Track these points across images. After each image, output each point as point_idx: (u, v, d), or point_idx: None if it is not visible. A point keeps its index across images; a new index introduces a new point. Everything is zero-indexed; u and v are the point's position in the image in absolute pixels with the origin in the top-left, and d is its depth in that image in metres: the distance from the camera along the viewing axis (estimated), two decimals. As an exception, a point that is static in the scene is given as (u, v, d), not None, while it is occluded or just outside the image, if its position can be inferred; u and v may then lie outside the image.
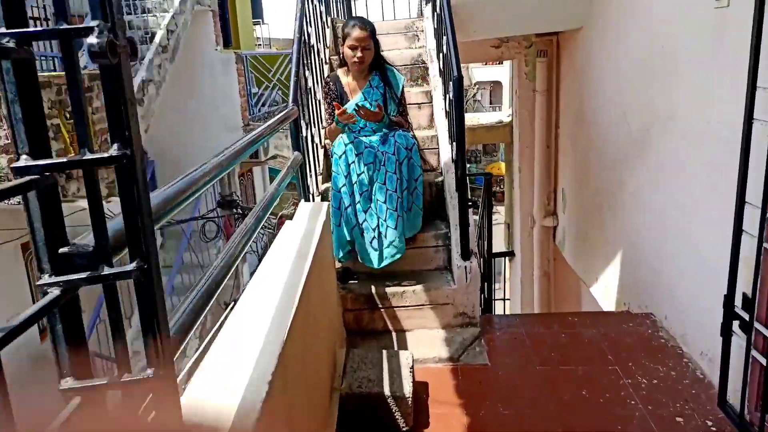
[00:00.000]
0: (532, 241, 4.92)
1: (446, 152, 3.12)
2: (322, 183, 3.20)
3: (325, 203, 2.66)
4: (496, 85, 20.26)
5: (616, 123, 3.36)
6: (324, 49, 3.72)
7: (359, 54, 2.85)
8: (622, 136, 3.27)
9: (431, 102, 3.48)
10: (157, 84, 6.67)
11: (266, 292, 1.84)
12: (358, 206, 2.77)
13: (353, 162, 2.77)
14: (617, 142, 3.35)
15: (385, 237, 2.76)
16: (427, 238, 2.95)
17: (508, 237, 5.71)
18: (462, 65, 2.83)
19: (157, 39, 6.76)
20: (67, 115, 5.14)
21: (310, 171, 3.01)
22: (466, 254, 2.72)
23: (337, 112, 2.69)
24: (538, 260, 4.94)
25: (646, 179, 2.98)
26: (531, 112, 4.74)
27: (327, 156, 3.34)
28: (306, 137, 2.90)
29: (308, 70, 3.09)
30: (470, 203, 2.76)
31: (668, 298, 2.77)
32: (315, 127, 3.18)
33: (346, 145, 2.78)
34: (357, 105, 2.77)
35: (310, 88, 3.08)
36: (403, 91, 2.95)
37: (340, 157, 2.78)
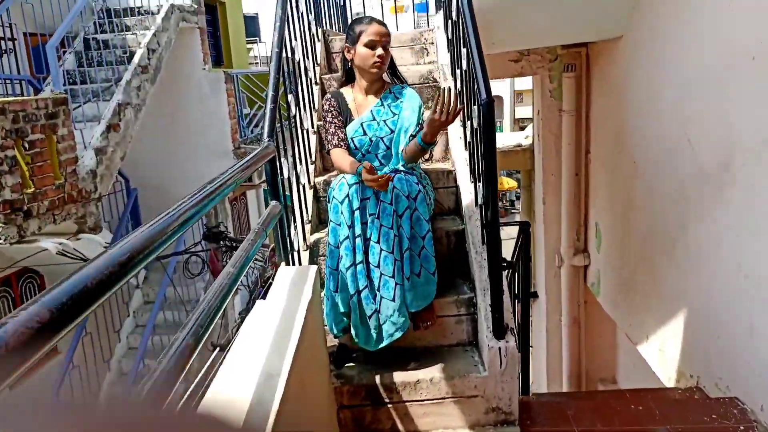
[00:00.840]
0: (560, 283, 4.25)
1: (468, 193, 2.47)
2: (311, 233, 2.55)
3: (313, 267, 2.01)
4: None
5: (674, 150, 2.72)
6: (314, 67, 3.09)
7: (380, 52, 2.26)
8: (685, 167, 2.62)
9: (446, 130, 2.83)
10: (135, 107, 6.06)
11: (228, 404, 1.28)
12: (360, 268, 2.11)
13: (357, 209, 2.12)
14: (677, 174, 2.70)
15: (380, 311, 2.10)
16: (444, 304, 2.29)
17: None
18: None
19: (135, 59, 6.16)
20: (26, 146, 4.51)
21: (295, 222, 2.36)
22: (500, 331, 2.05)
23: (363, 174, 2.07)
24: (567, 305, 4.28)
25: (725, 223, 2.33)
26: (557, 135, 4.10)
27: (317, 199, 2.69)
28: (288, 178, 2.25)
29: (290, 93, 2.45)
30: (505, 264, 2.10)
31: (766, 383, 2.10)
32: (302, 163, 2.53)
33: (350, 186, 2.13)
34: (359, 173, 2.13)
35: (294, 116, 2.44)
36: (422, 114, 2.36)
37: (341, 202, 2.13)
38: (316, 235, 2.53)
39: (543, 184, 4.22)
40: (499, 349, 2.05)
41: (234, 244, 6.68)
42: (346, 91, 2.39)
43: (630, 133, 3.26)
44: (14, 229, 4.50)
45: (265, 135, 1.98)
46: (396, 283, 2.07)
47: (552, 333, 4.46)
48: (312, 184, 2.65)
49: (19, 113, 4.47)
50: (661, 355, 2.97)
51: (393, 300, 2.06)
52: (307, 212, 2.51)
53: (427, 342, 2.30)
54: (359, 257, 2.09)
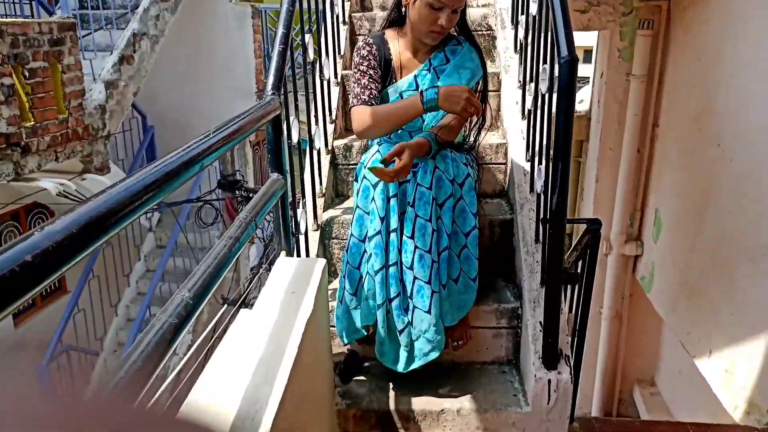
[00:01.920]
0: (605, 271, 3.76)
1: (522, 175, 1.98)
2: (324, 209, 2.09)
3: (320, 262, 1.57)
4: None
5: (783, 138, 2.17)
6: (342, 2, 2.56)
7: (443, 20, 1.67)
8: (796, 162, 2.09)
9: (498, 90, 2.32)
10: (152, 39, 5.57)
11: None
12: (393, 271, 1.66)
13: (394, 196, 1.65)
14: (784, 169, 2.16)
15: (413, 324, 1.65)
16: (481, 313, 1.84)
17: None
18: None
19: (155, -16, 5.63)
20: (26, 74, 4.09)
21: (302, 197, 1.90)
22: (551, 359, 1.60)
23: (384, 170, 1.56)
24: (611, 296, 3.80)
25: None
26: (622, 103, 3.52)
27: (334, 166, 2.22)
28: (297, 143, 1.78)
29: (308, 33, 1.95)
30: (566, 276, 1.63)
31: None
32: (318, 123, 2.05)
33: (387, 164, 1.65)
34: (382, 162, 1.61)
35: (311, 63, 1.95)
36: (483, 80, 1.82)
37: (374, 185, 1.65)
38: (330, 212, 2.08)
39: (598, 159, 3.68)
40: (549, 381, 1.61)
41: (250, 195, 6.28)
42: (392, 39, 1.81)
43: (717, 111, 2.70)
44: (10, 166, 4.14)
45: (269, 86, 1.51)
46: (432, 291, 1.61)
47: (589, 324, 3.99)
48: (330, 148, 2.18)
49: (18, 36, 4.02)
50: (728, 378, 2.51)
51: (428, 312, 1.61)
52: (321, 183, 2.05)
53: (455, 356, 1.86)
54: (393, 257, 1.63)
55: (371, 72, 1.76)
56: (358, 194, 1.69)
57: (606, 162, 3.68)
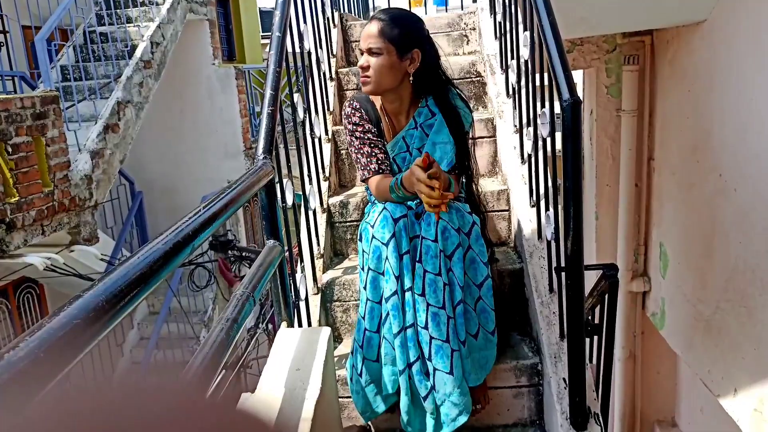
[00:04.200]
0: (613, 310, 3.64)
1: (528, 221, 1.90)
2: (323, 271, 2.00)
3: (325, 331, 1.46)
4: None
5: (788, 165, 2.12)
6: (328, 58, 2.53)
7: (361, 62, 1.64)
8: (806, 188, 2.03)
9: (493, 136, 2.27)
10: (137, 106, 5.57)
11: None
12: (410, 333, 1.56)
13: (406, 253, 1.56)
14: (793, 196, 2.10)
15: (435, 389, 1.53)
16: (499, 372, 1.73)
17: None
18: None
19: (138, 53, 5.67)
20: (9, 149, 4.02)
21: (300, 261, 1.81)
22: (580, 419, 1.48)
23: (416, 173, 1.44)
24: (622, 336, 3.68)
25: None
26: (614, 139, 3.49)
27: (331, 225, 2.13)
28: (290, 205, 1.70)
29: (296, 92, 1.90)
30: (588, 328, 1.54)
31: None
32: (312, 183, 1.98)
33: (396, 221, 1.56)
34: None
35: (301, 122, 1.89)
36: (461, 145, 1.71)
37: (386, 243, 1.55)
38: (330, 273, 1.98)
39: (596, 195, 3.62)
40: (580, 444, 1.49)
41: (243, 254, 6.17)
42: (375, 98, 1.75)
43: (715, 141, 2.66)
44: (-5, 243, 4.03)
45: (260, 150, 1.43)
46: (452, 350, 1.51)
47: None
48: (325, 206, 2.09)
49: (0, 113, 3.98)
50: (758, 418, 2.38)
51: (450, 372, 1.50)
52: (318, 244, 1.96)
53: (473, 420, 1.73)
54: (410, 318, 1.53)
55: (369, 136, 1.69)
56: (366, 255, 1.59)
57: (604, 199, 3.63)
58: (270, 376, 1.28)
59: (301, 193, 1.86)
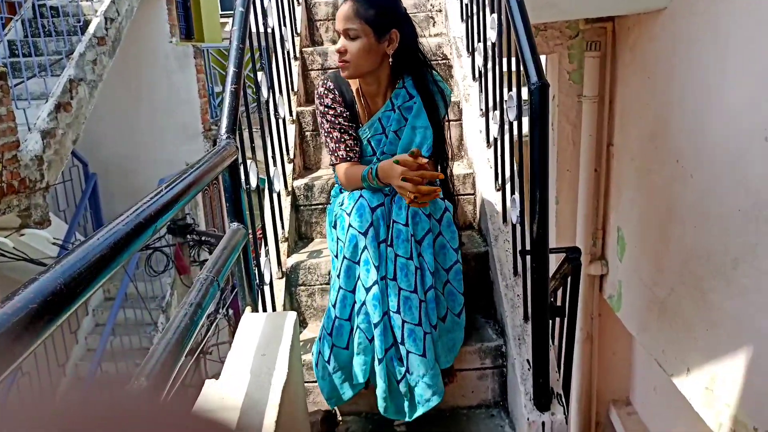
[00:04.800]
0: (571, 293, 3.72)
1: (493, 205, 1.91)
2: (288, 255, 1.96)
3: (291, 315, 1.44)
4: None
5: (744, 152, 2.19)
6: (292, 37, 2.48)
7: (337, 46, 1.60)
8: (761, 174, 2.09)
9: (460, 119, 2.26)
10: (90, 84, 5.36)
11: None
12: (391, 319, 1.55)
13: (383, 241, 1.54)
14: (747, 181, 2.17)
15: (409, 372, 1.53)
16: (464, 354, 1.74)
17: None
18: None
19: (91, 29, 5.43)
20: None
21: (265, 245, 1.77)
22: (544, 399, 1.51)
23: (405, 166, 1.45)
24: (581, 318, 3.76)
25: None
26: (576, 125, 3.54)
27: (296, 208, 2.10)
28: (254, 187, 1.66)
29: (260, 71, 1.85)
30: (552, 310, 1.55)
31: None
32: (276, 165, 1.93)
33: (373, 209, 1.54)
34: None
35: (265, 102, 1.84)
36: (437, 132, 1.70)
37: (365, 233, 1.54)
38: (295, 257, 1.95)
39: (557, 181, 3.67)
40: (543, 424, 1.51)
41: (203, 238, 6.06)
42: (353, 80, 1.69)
43: (674, 128, 2.72)
44: (-62, 227, 3.84)
45: (223, 129, 1.39)
46: (424, 332, 1.50)
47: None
48: (290, 189, 2.06)
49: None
50: (709, 396, 2.47)
51: (423, 355, 1.50)
52: (283, 228, 1.93)
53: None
54: (390, 304, 1.52)
55: (340, 120, 1.65)
56: (341, 243, 1.57)
57: (564, 184, 3.68)
58: (235, 361, 1.25)
59: (265, 176, 1.82)
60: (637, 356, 3.82)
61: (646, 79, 2.99)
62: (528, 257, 1.60)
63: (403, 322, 1.51)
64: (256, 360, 1.27)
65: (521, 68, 1.47)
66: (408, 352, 1.52)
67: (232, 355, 1.29)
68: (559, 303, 1.87)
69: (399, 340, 1.53)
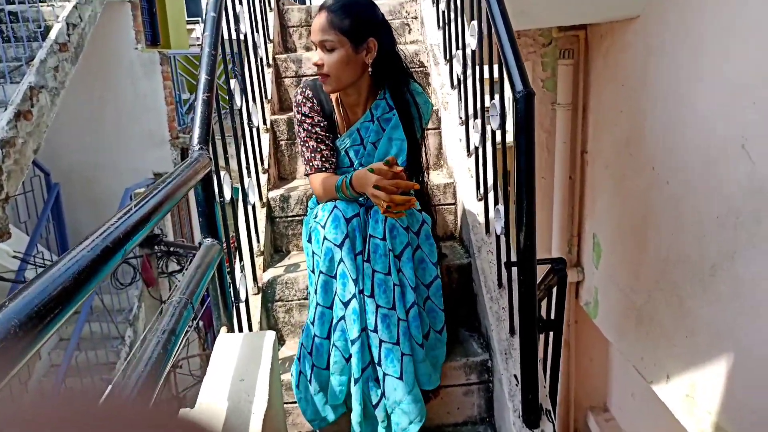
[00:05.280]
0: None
1: (474, 215, 1.87)
2: (264, 269, 1.89)
3: (270, 335, 1.37)
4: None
5: (720, 159, 2.20)
6: (265, 44, 2.41)
7: (315, 59, 1.54)
8: (735, 179, 2.10)
9: (438, 128, 2.22)
10: (52, 91, 5.18)
11: None
12: (369, 337, 1.48)
13: (360, 253, 1.48)
14: (723, 189, 2.18)
15: (385, 395, 1.47)
16: (449, 370, 1.69)
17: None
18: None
19: (52, 35, 5.26)
20: None
21: (239, 260, 1.70)
22: (533, 416, 1.46)
23: (379, 174, 1.40)
24: (557, 325, 3.76)
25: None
26: (550, 132, 3.54)
27: (271, 220, 2.03)
28: (229, 200, 1.59)
29: (233, 78, 1.78)
30: (541, 324, 1.52)
31: None
32: (250, 175, 1.86)
33: (348, 220, 1.49)
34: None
35: (238, 111, 1.77)
36: (411, 144, 1.65)
37: (340, 245, 1.47)
38: (271, 272, 1.88)
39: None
40: (532, 441, 1.47)
41: (171, 249, 5.91)
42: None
43: (648, 135, 2.73)
44: None
45: (195, 140, 1.31)
46: (402, 353, 1.44)
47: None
48: (265, 200, 1.98)
49: None
50: (689, 403, 2.47)
51: (401, 378, 1.44)
52: (258, 241, 1.85)
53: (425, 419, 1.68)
54: (368, 322, 1.45)
55: (317, 130, 1.59)
56: (316, 257, 1.50)
57: (539, 191, 3.65)
58: (211, 387, 1.18)
59: (239, 186, 1.74)
60: (614, 362, 3.83)
61: (620, 87, 3.00)
62: (514, 269, 1.56)
63: (381, 341, 1.45)
64: (234, 385, 1.19)
65: (504, 76, 1.43)
66: (385, 374, 1.46)
67: (208, 381, 1.21)
68: (543, 315, 1.84)
69: (376, 360, 1.47)
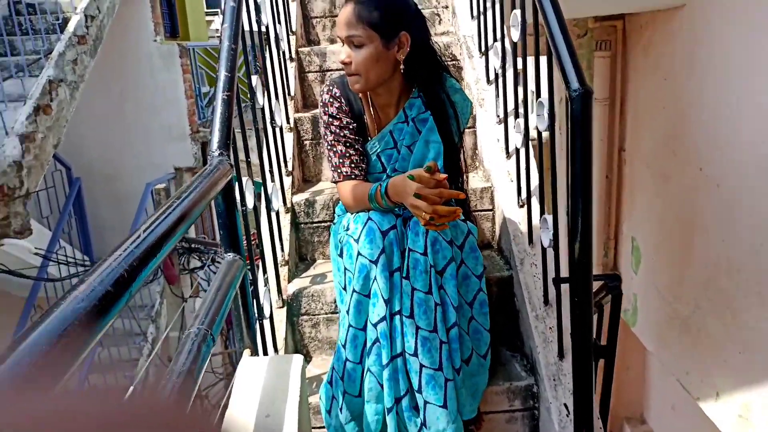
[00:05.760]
0: (580, 304, 3.55)
1: (516, 223, 1.71)
2: (289, 280, 1.76)
3: (296, 360, 1.24)
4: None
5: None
6: (287, 36, 2.27)
7: (341, 56, 1.40)
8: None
9: (473, 127, 2.06)
10: (71, 85, 5.11)
11: None
12: (401, 362, 1.35)
13: (397, 270, 1.34)
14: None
15: (426, 425, 1.33)
16: (490, 395, 1.54)
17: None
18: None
19: (70, 27, 5.18)
20: None
21: (263, 272, 1.57)
22: (584, 452, 1.31)
23: (421, 184, 1.25)
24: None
25: None
26: (586, 129, 3.36)
27: (295, 227, 1.89)
28: (251, 208, 1.46)
29: (254, 74, 1.64)
30: (596, 350, 1.37)
31: None
32: (273, 179, 1.73)
33: (384, 233, 1.35)
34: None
35: (260, 110, 1.64)
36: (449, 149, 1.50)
37: (375, 261, 1.35)
38: (297, 283, 1.74)
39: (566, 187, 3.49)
40: (586, 480, 1.32)
41: (192, 245, 5.83)
42: None
43: (695, 132, 2.54)
44: None
45: (214, 145, 1.18)
46: (446, 379, 1.30)
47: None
48: (289, 205, 1.85)
49: None
50: (744, 424, 2.29)
51: (444, 405, 1.30)
52: (283, 250, 1.72)
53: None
54: (399, 346, 1.31)
55: (345, 133, 1.45)
56: (348, 274, 1.36)
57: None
58: (233, 424, 1.05)
59: (263, 191, 1.61)
60: (652, 372, 3.65)
61: (662, 81, 2.81)
62: (564, 286, 1.41)
63: (421, 366, 1.31)
64: (258, 422, 1.06)
65: (558, 72, 1.28)
66: (426, 402, 1.32)
67: (230, 416, 1.08)
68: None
69: (416, 387, 1.33)
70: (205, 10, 9.84)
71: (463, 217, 1.44)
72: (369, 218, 1.34)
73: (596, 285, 1.77)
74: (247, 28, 1.65)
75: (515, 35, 1.61)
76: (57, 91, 4.95)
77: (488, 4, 1.96)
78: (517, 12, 1.59)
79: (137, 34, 6.33)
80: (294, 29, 2.39)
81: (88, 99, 5.57)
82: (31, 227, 4.64)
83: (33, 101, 4.61)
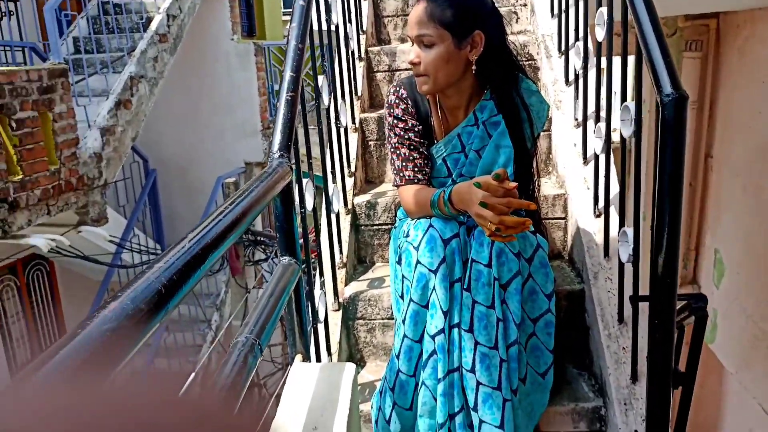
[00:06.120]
0: (655, 319, 3.35)
1: (591, 233, 1.61)
2: (346, 283, 1.72)
3: (348, 369, 1.19)
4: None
5: None
6: (357, 35, 2.23)
7: (412, 56, 1.34)
8: None
9: (548, 130, 1.96)
10: (151, 81, 5.31)
11: None
12: (457, 377, 1.28)
13: (458, 280, 1.28)
14: None
15: (482, 446, 1.25)
16: (554, 416, 1.45)
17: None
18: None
19: (153, 26, 5.39)
20: (13, 125, 3.79)
21: (320, 274, 1.53)
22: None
23: (488, 191, 1.20)
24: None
25: None
26: (669, 134, 3.16)
27: (356, 228, 1.85)
28: (311, 209, 1.42)
29: (321, 74, 1.61)
30: (675, 377, 1.25)
31: None
32: (335, 181, 1.69)
33: (446, 241, 1.29)
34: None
35: (326, 110, 1.60)
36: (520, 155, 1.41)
37: (435, 270, 1.28)
38: (354, 286, 1.70)
39: (644, 194, 3.29)
40: None
41: (258, 238, 5.94)
42: None
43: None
44: (-4, 223, 3.81)
45: (275, 146, 1.15)
46: (504, 399, 1.22)
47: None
48: (350, 207, 1.81)
49: (4, 86, 3.74)
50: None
51: (501, 426, 1.22)
52: (341, 252, 1.68)
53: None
54: (456, 360, 1.25)
55: (410, 135, 1.39)
56: (407, 282, 1.31)
57: (651, 196, 3.30)
58: (284, 421, 1.02)
59: (324, 193, 1.58)
60: (729, 392, 3.39)
61: (760, 84, 2.59)
62: (642, 304, 1.30)
63: (478, 384, 1.24)
64: (308, 422, 1.03)
65: (648, 74, 1.17)
66: (482, 421, 1.24)
67: (277, 425, 1.05)
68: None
69: (471, 404, 1.25)
70: (282, 10, 10.04)
71: (533, 229, 1.35)
72: (430, 225, 1.28)
73: (678, 304, 1.64)
74: (315, 27, 1.62)
75: (600, 34, 1.50)
76: (138, 87, 5.15)
77: (571, 2, 1.85)
78: (604, 10, 1.48)
79: (216, 33, 6.51)
80: (365, 28, 2.35)
81: (166, 95, 5.78)
82: (107, 215, 4.86)
83: (115, 96, 4.82)
